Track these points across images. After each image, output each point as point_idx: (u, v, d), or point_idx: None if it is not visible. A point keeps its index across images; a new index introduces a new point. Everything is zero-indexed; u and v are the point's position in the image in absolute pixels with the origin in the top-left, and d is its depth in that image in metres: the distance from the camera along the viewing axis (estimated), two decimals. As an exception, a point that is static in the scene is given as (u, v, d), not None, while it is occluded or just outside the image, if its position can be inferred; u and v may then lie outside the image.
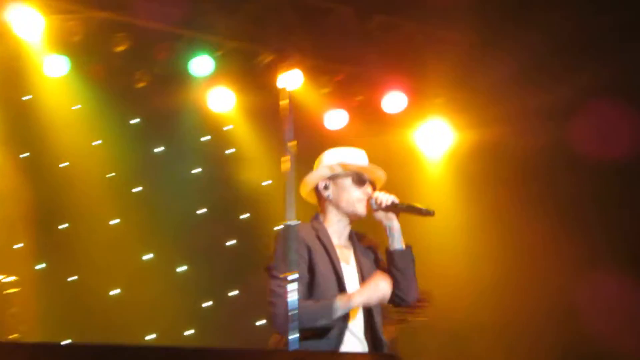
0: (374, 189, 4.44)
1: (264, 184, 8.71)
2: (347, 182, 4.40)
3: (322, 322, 4.08)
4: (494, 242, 8.29)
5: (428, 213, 4.23)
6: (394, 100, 8.61)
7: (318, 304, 4.11)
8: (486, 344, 8.30)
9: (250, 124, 8.56)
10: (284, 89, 4.07)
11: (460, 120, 8.84)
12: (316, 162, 4.54)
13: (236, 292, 8.74)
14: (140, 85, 8.03)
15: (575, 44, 7.76)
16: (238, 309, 8.39)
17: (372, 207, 4.35)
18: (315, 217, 4.48)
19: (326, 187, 4.44)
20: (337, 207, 4.40)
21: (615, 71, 7.73)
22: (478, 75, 8.34)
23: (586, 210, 8.17)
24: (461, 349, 8.41)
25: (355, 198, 4.37)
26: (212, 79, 8.11)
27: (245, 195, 8.75)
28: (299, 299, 3.81)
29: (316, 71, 8.31)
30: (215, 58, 7.97)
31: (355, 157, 4.49)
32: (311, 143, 8.47)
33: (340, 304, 4.09)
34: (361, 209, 4.36)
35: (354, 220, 4.45)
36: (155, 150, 8.75)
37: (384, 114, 8.66)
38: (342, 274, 4.26)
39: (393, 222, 4.34)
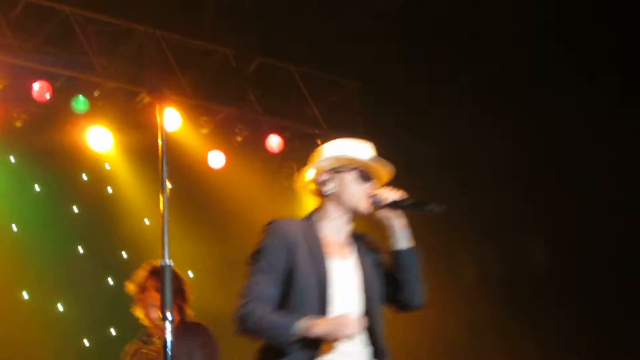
0: (379, 185, 4.04)
1: (144, 223, 8.72)
2: (351, 176, 3.97)
3: (273, 341, 3.71)
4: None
5: (435, 209, 3.86)
6: (274, 141, 8.75)
7: (276, 321, 3.71)
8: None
9: (129, 163, 8.52)
10: (160, 129, 3.90)
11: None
12: (315, 154, 4.09)
13: (116, 331, 8.68)
14: (19, 123, 7.98)
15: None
16: (119, 348, 8.32)
17: (375, 204, 3.94)
18: (310, 214, 4.05)
19: (327, 181, 3.99)
20: (338, 202, 3.98)
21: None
22: (357, 117, 8.62)
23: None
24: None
25: (359, 194, 3.95)
26: (92, 118, 8.06)
27: (124, 234, 8.73)
28: (263, 307, 3.69)
29: (196, 111, 8.39)
30: (92, 98, 7.97)
31: (361, 150, 4.04)
32: (192, 182, 8.65)
33: (298, 328, 3.66)
34: (364, 206, 3.94)
35: (356, 218, 4.01)
36: (34, 188, 8.67)
37: (265, 154, 8.80)
38: (326, 270, 3.84)
39: (396, 221, 3.95)
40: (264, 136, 8.77)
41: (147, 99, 8.00)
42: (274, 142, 8.77)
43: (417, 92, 8.32)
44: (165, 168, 3.66)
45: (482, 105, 8.19)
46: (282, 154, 8.88)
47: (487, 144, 8.23)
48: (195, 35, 8.32)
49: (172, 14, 8.11)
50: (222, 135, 8.65)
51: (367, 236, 4.10)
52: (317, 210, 4.05)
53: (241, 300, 3.78)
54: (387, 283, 3.99)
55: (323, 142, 8.47)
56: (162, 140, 3.71)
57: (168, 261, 3.55)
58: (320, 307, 3.78)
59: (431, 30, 7.94)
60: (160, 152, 3.69)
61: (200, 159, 8.62)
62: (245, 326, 3.72)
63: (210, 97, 8.47)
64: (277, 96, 8.76)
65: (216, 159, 8.68)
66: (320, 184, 4.00)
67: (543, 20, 7.88)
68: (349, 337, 3.64)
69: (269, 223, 3.91)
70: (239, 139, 8.69)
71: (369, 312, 3.84)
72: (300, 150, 8.91)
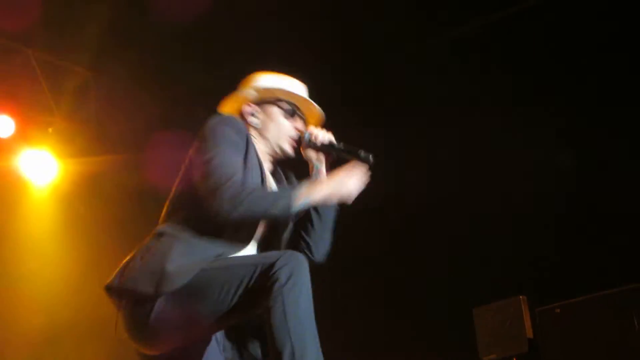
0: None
1: None
2: (278, 111, 3.78)
3: (276, 211, 3.39)
4: (88, 271, 8.40)
5: (366, 159, 3.62)
6: (3, 124, 8.45)
7: (271, 193, 3.48)
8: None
9: None
10: None
11: (65, 150, 8.91)
12: (244, 83, 3.87)
13: None
14: None
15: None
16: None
17: (305, 142, 3.77)
18: None
19: (253, 113, 3.80)
20: (262, 137, 3.77)
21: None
22: (90, 105, 8.62)
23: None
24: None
25: (285, 132, 3.77)
26: None
27: None
28: (247, 183, 3.40)
29: None
30: None
31: (293, 86, 3.82)
32: None
33: (302, 192, 3.42)
34: (288, 146, 3.78)
35: (279, 156, 3.82)
36: None
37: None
38: (266, 183, 3.64)
39: (323, 165, 3.78)
40: (-7, 120, 8.45)
41: None
42: (4, 126, 8.48)
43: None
44: None
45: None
46: (11, 139, 8.58)
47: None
48: None
49: None
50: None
51: (289, 173, 3.92)
52: None
53: (224, 178, 3.39)
54: (296, 227, 3.78)
55: (55, 130, 8.56)
56: None
57: None
58: None
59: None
60: None
61: None
62: (243, 205, 3.34)
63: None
64: (11, 79, 8.52)
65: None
66: (245, 115, 3.80)
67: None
68: (349, 199, 3.46)
69: (219, 114, 3.65)
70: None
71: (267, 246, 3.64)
72: (30, 136, 8.70)
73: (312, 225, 3.73)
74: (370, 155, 3.62)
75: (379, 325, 8.18)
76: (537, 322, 7.17)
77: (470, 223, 7.85)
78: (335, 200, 3.50)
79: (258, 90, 3.78)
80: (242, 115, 3.80)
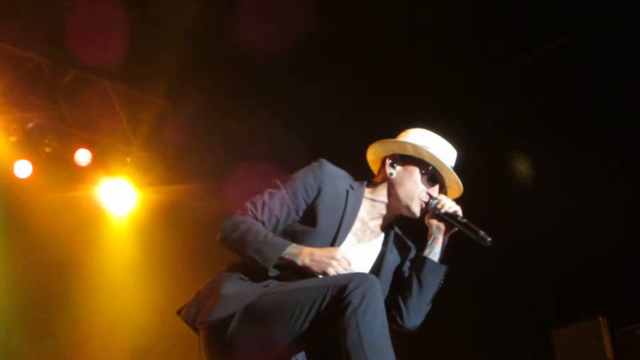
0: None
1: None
2: (418, 173, 3.72)
3: (257, 256, 3.44)
4: (168, 298, 8.48)
5: (484, 240, 3.57)
6: (82, 155, 8.63)
7: (269, 237, 3.48)
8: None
9: None
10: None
11: (143, 179, 9.08)
12: (402, 133, 3.80)
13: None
14: None
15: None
16: None
17: (430, 208, 3.69)
18: (362, 182, 3.78)
19: (393, 165, 3.75)
20: (393, 191, 3.73)
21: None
22: (166, 135, 8.79)
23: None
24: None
25: (417, 194, 3.70)
26: None
27: None
28: (254, 220, 3.53)
29: (5, 118, 8.19)
30: None
31: (444, 152, 3.73)
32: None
33: (289, 251, 3.45)
34: (416, 208, 3.70)
35: (401, 213, 3.76)
36: None
37: (72, 167, 8.66)
38: (339, 243, 3.60)
39: (442, 235, 3.72)
40: (73, 149, 8.64)
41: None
42: (83, 155, 8.66)
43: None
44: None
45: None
46: (90, 169, 8.77)
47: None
48: (9, 41, 8.17)
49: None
50: (31, 145, 8.43)
51: (405, 237, 3.87)
52: (371, 184, 3.82)
53: (243, 208, 3.57)
54: (393, 290, 3.74)
55: (133, 159, 8.73)
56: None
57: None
58: None
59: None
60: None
61: (7, 167, 8.42)
62: (235, 233, 3.49)
63: (20, 105, 8.27)
64: (89, 110, 8.68)
65: (23, 169, 8.49)
66: (385, 164, 3.77)
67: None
68: (334, 272, 3.41)
69: (318, 161, 3.70)
70: (48, 150, 8.51)
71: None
72: (109, 166, 8.89)
73: (410, 293, 3.68)
74: (489, 239, 3.57)
75: (460, 345, 8.12)
76: (617, 344, 7.07)
77: (551, 244, 7.76)
78: (314, 270, 3.44)
79: (407, 145, 3.73)
80: (382, 163, 3.80)
